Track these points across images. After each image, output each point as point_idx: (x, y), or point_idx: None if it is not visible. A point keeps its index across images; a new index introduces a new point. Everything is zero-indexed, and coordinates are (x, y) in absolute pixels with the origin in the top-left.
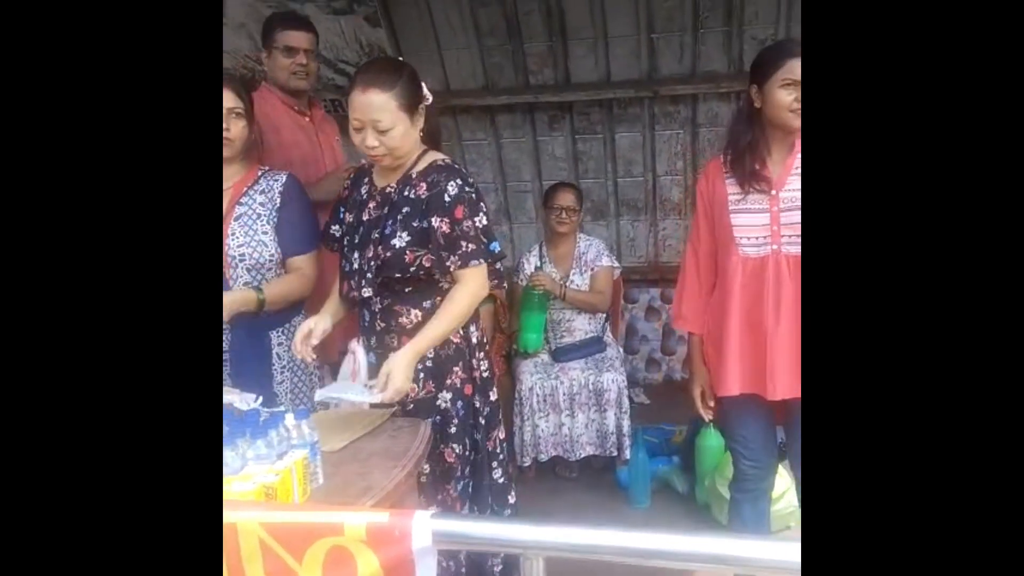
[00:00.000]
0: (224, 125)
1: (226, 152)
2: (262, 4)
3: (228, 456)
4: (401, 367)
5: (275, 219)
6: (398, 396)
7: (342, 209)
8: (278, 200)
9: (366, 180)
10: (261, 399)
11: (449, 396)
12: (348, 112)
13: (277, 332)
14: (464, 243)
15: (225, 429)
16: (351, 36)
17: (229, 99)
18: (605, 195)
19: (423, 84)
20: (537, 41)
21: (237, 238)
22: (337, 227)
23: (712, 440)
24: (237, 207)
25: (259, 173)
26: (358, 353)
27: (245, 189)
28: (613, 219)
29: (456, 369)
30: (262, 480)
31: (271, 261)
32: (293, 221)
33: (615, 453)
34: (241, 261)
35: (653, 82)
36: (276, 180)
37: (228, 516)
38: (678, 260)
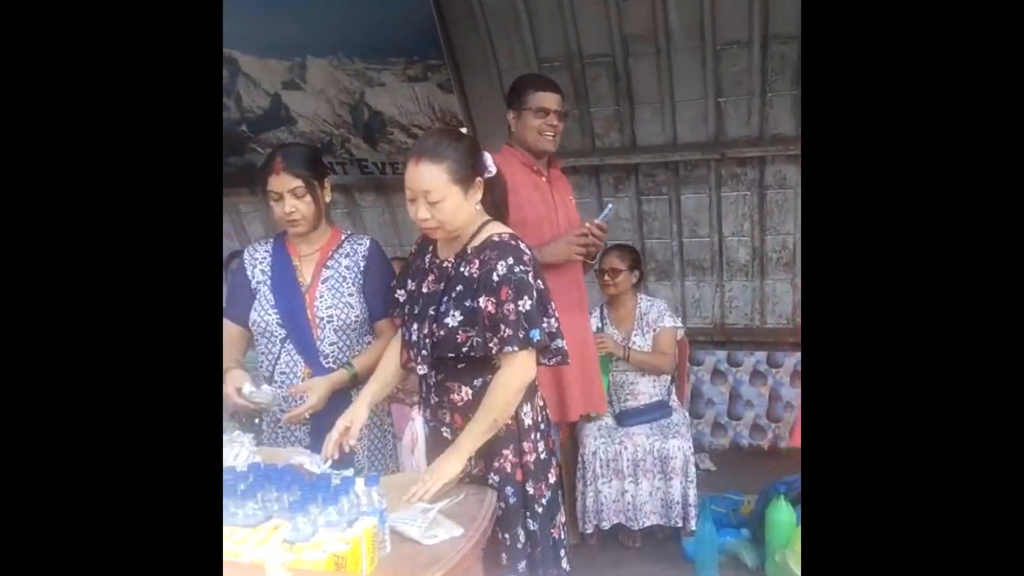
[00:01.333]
0: (288, 207)
1: (298, 228)
2: (342, 73)
3: (300, 522)
4: (446, 476)
5: (360, 282)
6: (437, 486)
7: (407, 275)
8: (362, 264)
9: (430, 249)
10: (329, 462)
11: (498, 479)
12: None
13: (356, 391)
14: (503, 327)
15: (297, 494)
16: (424, 102)
17: (287, 181)
18: (670, 255)
19: (485, 155)
20: (604, 105)
21: (325, 300)
22: (402, 292)
23: (783, 513)
24: (324, 270)
25: (342, 237)
26: (417, 423)
27: (331, 252)
28: (678, 279)
29: (506, 453)
30: (332, 549)
31: (357, 322)
32: (377, 285)
33: (679, 524)
34: (329, 322)
35: (720, 144)
36: (360, 244)
37: None
38: (744, 322)
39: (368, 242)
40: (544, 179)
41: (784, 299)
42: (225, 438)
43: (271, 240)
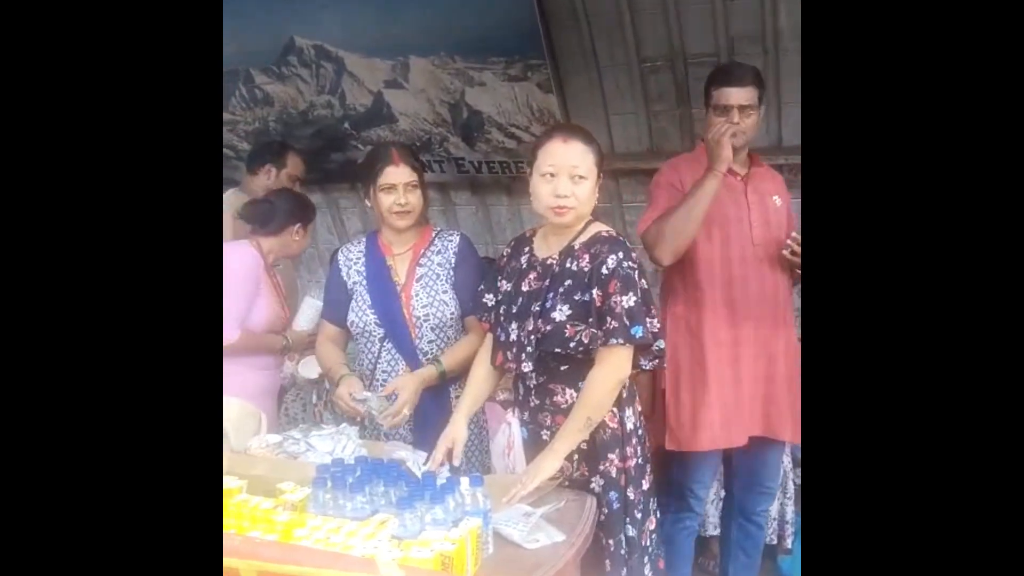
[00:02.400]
0: (402, 198)
1: (406, 221)
2: (443, 72)
3: (407, 519)
4: (543, 475)
5: (452, 278)
6: (540, 493)
7: (499, 277)
8: (453, 260)
9: (527, 249)
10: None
11: (602, 483)
12: (531, 168)
13: (455, 387)
14: (610, 319)
15: (404, 490)
16: (523, 102)
17: (405, 174)
18: None
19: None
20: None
21: (420, 299)
22: (492, 296)
23: None
24: (417, 268)
25: (433, 234)
26: (513, 426)
27: (423, 250)
28: None
29: (612, 456)
30: (439, 548)
31: (453, 319)
32: (468, 280)
33: (775, 541)
34: (425, 321)
35: None
36: (450, 240)
37: None
38: None
39: (458, 237)
40: (739, 179)
41: None
42: (332, 430)
43: (363, 239)
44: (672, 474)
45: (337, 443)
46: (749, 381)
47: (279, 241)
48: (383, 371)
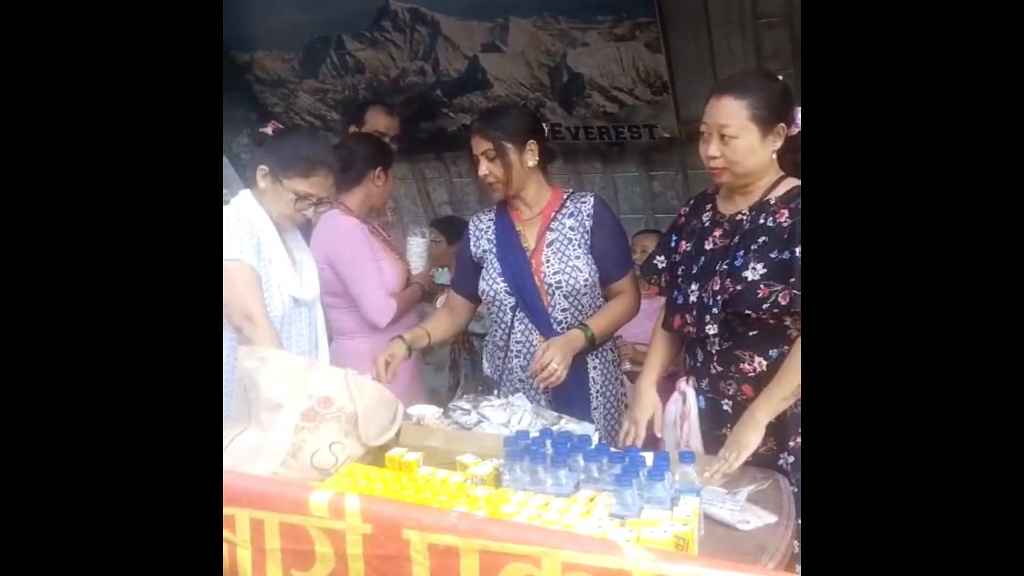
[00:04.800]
0: (483, 169)
1: (496, 192)
2: (545, 34)
3: (627, 496)
4: (749, 449)
5: (587, 242)
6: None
7: (674, 237)
8: (588, 223)
9: (708, 206)
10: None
11: (792, 460)
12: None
13: (593, 357)
14: None
15: (616, 467)
16: (628, 63)
17: (480, 144)
18: None
19: (796, 108)
20: None
21: (552, 265)
22: (663, 257)
23: None
24: (548, 233)
25: (564, 196)
26: (689, 395)
27: (553, 214)
28: None
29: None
30: (674, 530)
31: (587, 285)
32: (607, 243)
33: None
34: (558, 288)
35: None
36: (583, 202)
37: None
38: None
39: (592, 199)
40: None
41: None
42: (503, 401)
43: (494, 208)
44: None
45: (512, 414)
46: None
47: (363, 191)
48: (517, 341)
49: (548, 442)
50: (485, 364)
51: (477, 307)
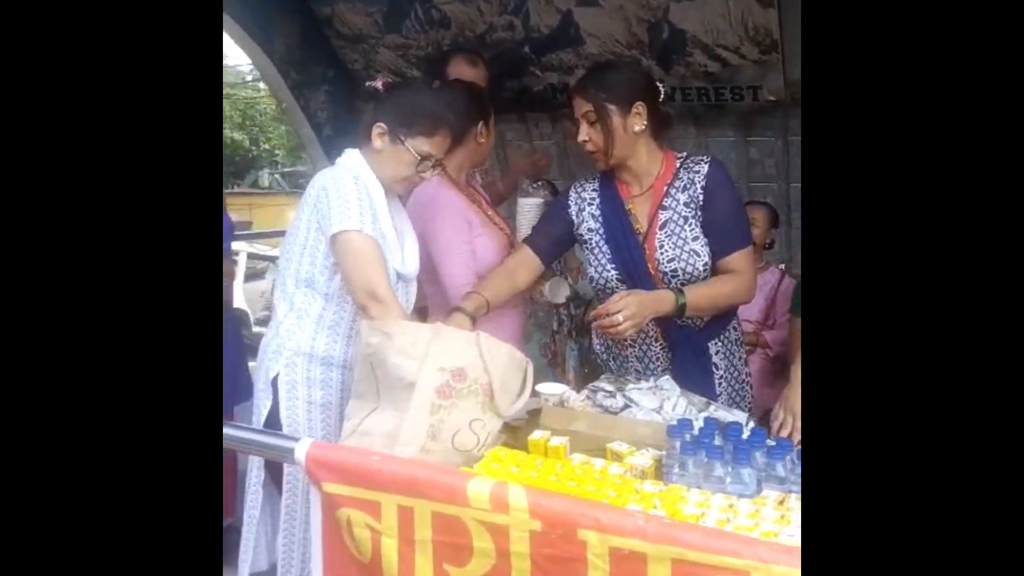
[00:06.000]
0: (582, 134)
1: (598, 161)
2: None
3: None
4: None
5: (701, 218)
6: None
7: None
8: (701, 195)
9: None
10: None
11: None
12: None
13: (715, 342)
14: None
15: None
16: (737, 19)
17: (580, 105)
18: None
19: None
20: None
21: (666, 251)
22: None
23: None
24: (660, 212)
25: (677, 164)
26: None
27: (665, 188)
28: None
29: None
30: None
31: (706, 270)
32: (721, 215)
33: None
34: (674, 277)
35: None
36: (698, 170)
37: None
38: None
39: (707, 166)
40: None
41: None
42: (649, 384)
43: (597, 177)
44: None
45: (664, 399)
46: None
47: (464, 151)
48: (631, 336)
49: (716, 434)
50: (596, 343)
51: (543, 272)
